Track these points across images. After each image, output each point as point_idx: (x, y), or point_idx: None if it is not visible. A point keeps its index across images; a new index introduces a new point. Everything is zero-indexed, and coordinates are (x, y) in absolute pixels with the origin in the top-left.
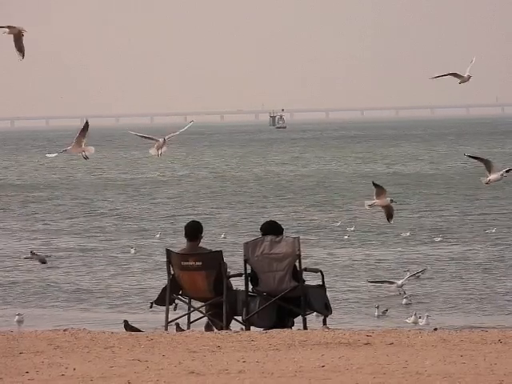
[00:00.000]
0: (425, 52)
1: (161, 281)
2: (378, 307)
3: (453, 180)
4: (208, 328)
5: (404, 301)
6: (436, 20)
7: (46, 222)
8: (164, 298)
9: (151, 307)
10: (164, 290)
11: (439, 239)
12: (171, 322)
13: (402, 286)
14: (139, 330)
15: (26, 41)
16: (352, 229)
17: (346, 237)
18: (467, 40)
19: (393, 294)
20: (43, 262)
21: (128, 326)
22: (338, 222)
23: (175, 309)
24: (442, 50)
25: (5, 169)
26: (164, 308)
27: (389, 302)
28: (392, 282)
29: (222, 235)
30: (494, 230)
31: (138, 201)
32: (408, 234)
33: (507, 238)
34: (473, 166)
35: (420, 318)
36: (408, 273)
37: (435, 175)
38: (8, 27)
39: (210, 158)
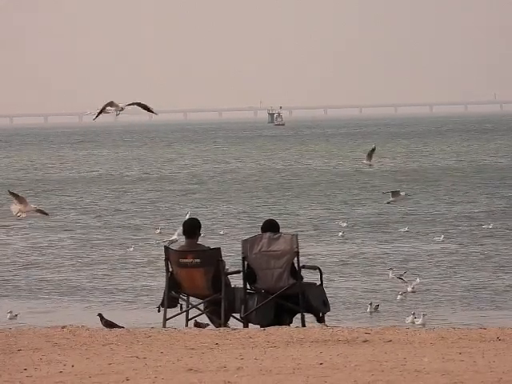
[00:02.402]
0: (424, 51)
1: (160, 278)
2: (371, 304)
3: (449, 175)
4: (198, 325)
5: (399, 297)
6: (435, 19)
7: (43, 219)
8: (169, 301)
9: (159, 311)
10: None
11: (441, 239)
12: (169, 319)
13: (412, 291)
14: (116, 325)
15: (25, 39)
16: (345, 224)
17: (341, 233)
18: (466, 38)
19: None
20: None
21: (103, 320)
22: (339, 220)
23: (181, 309)
24: (440, 49)
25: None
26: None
27: (384, 299)
28: (407, 286)
29: (221, 232)
30: (490, 226)
31: (136, 197)
32: (406, 228)
33: (503, 232)
34: (467, 162)
35: (416, 317)
36: (391, 271)
37: (432, 170)
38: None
39: (208, 154)
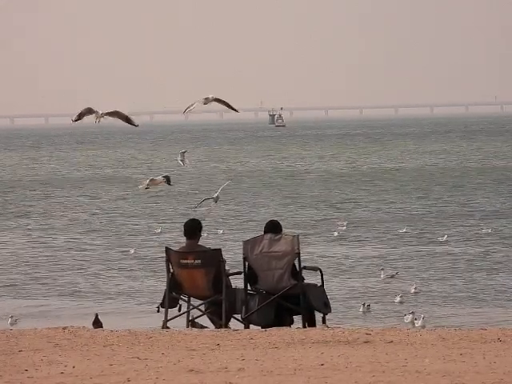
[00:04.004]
0: (424, 51)
1: (160, 279)
2: (364, 304)
3: (448, 176)
4: (193, 324)
5: (398, 299)
6: (435, 19)
7: (42, 220)
8: (169, 301)
9: (158, 311)
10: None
11: (444, 238)
12: (170, 319)
13: (415, 292)
14: (100, 326)
15: (25, 39)
16: (344, 228)
17: (336, 233)
18: (467, 39)
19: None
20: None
21: (97, 322)
22: (337, 220)
23: (180, 310)
24: (441, 50)
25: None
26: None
27: (382, 300)
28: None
29: (221, 231)
30: (489, 230)
31: (136, 198)
32: (404, 229)
33: (503, 233)
34: (467, 162)
35: (416, 319)
36: (383, 272)
37: (432, 171)
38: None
39: (208, 154)
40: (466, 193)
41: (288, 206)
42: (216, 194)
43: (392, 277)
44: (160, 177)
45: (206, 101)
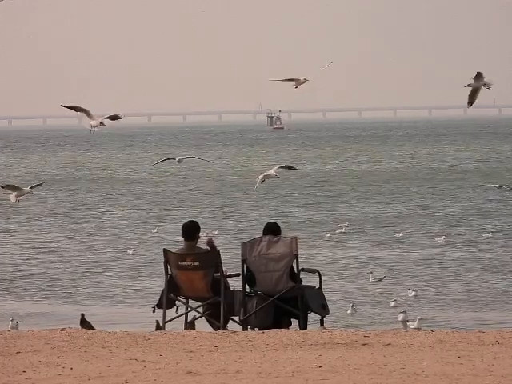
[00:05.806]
0: (424, 53)
1: (158, 280)
2: (352, 305)
3: (445, 179)
4: (190, 326)
5: (392, 304)
6: (436, 21)
7: (40, 220)
8: (166, 302)
9: (154, 311)
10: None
11: (441, 240)
12: (168, 321)
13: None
14: (93, 328)
15: (24, 40)
16: (343, 229)
17: (328, 234)
18: (466, 41)
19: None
20: None
21: (84, 322)
22: (333, 222)
23: (177, 311)
24: (441, 51)
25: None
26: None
27: (379, 303)
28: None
29: (216, 232)
30: (490, 235)
31: (134, 200)
32: (401, 234)
33: (502, 235)
34: (467, 165)
35: (409, 320)
36: (371, 275)
37: (429, 173)
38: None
39: (207, 156)
40: (464, 195)
41: (284, 207)
42: (179, 157)
43: (380, 280)
44: (272, 171)
45: (297, 83)
